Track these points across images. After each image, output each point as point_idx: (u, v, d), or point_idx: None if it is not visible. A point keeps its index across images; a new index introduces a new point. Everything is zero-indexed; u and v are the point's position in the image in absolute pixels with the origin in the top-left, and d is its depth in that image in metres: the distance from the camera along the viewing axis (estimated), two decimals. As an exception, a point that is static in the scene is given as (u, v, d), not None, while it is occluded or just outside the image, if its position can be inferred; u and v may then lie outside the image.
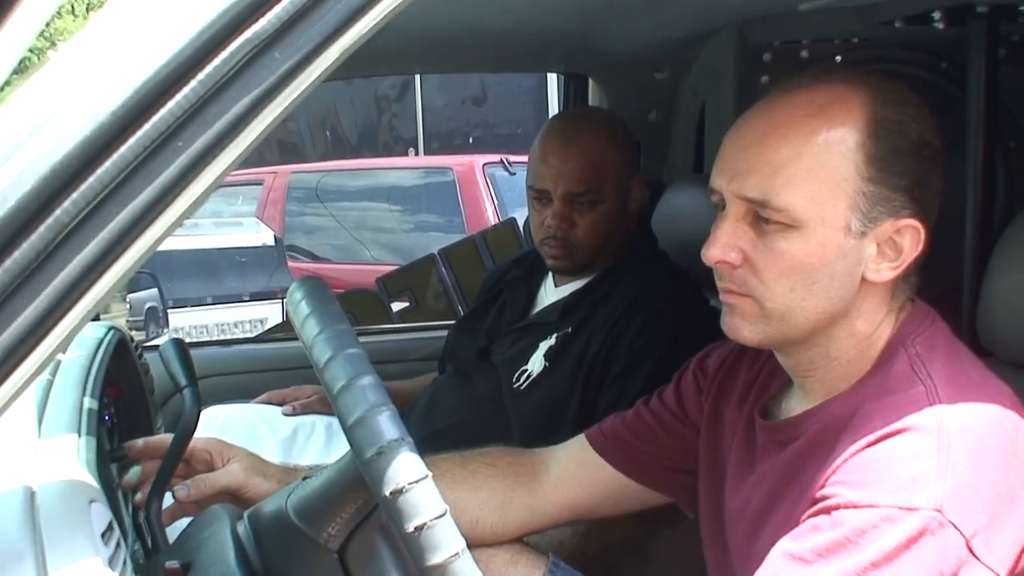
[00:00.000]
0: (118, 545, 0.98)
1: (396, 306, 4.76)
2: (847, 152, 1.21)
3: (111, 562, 0.92)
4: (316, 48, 0.80)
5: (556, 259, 2.27)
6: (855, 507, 1.10)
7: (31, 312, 0.74)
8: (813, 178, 1.21)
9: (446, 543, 0.97)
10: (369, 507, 1.12)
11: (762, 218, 1.23)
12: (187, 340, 2.32)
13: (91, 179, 0.74)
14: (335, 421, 2.51)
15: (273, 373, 2.82)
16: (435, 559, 0.96)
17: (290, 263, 7.78)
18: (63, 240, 0.74)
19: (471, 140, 12.63)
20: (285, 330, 4.95)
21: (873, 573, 1.07)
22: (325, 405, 2.56)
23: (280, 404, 2.58)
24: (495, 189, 7.46)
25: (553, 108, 10.47)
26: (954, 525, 1.08)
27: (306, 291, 1.15)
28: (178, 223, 0.79)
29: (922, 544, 1.07)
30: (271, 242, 7.57)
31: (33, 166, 0.74)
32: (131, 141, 0.75)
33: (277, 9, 0.78)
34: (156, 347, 2.30)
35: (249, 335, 6.90)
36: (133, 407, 1.75)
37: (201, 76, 0.77)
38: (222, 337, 6.76)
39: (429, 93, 12.64)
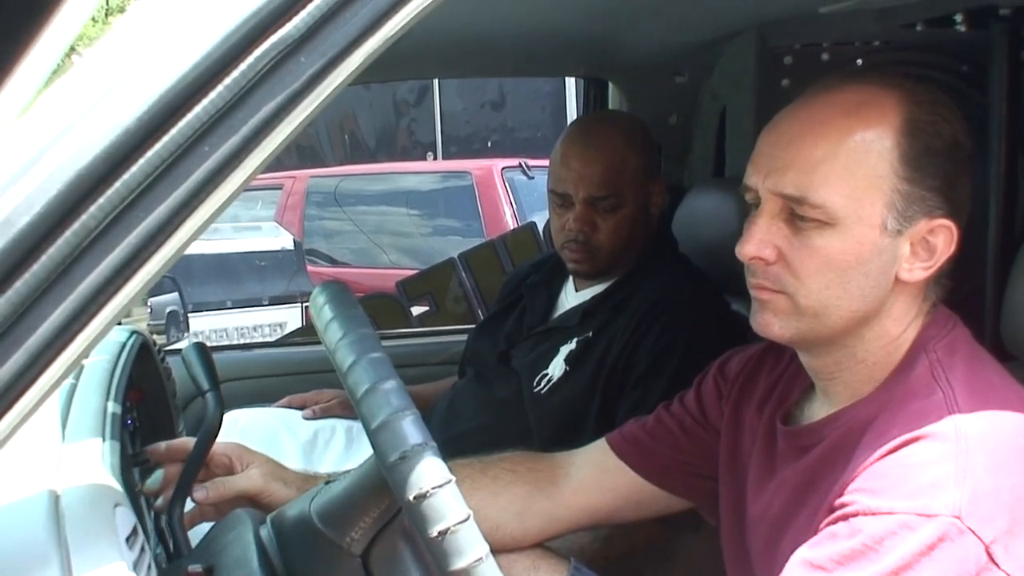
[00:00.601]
0: (142, 549, 0.98)
1: (416, 310, 4.76)
2: (883, 151, 1.21)
3: (136, 566, 0.92)
4: (342, 52, 0.80)
5: (577, 263, 2.27)
6: (873, 514, 1.10)
7: (57, 317, 0.74)
8: (850, 175, 1.21)
9: (470, 548, 0.97)
10: (392, 511, 1.12)
11: (797, 215, 1.23)
12: (207, 344, 2.32)
13: (117, 184, 0.74)
14: (356, 425, 2.54)
15: (293, 377, 2.83)
16: (459, 564, 0.96)
17: (309, 267, 7.80)
18: (89, 245, 0.74)
19: (489, 144, 12.64)
20: (305, 334, 4.96)
21: None
22: (345, 409, 2.56)
23: (300, 408, 2.58)
24: (513, 193, 7.46)
25: (572, 112, 10.46)
26: (973, 531, 1.07)
27: (329, 295, 1.15)
28: (204, 228, 0.79)
29: (941, 551, 1.07)
30: (290, 246, 7.59)
31: (59, 171, 0.74)
32: (157, 146, 0.75)
33: (303, 14, 0.78)
34: (178, 351, 2.31)
35: (268, 339, 6.92)
36: (155, 411, 1.75)
37: (227, 81, 0.77)
38: (242, 341, 6.78)
39: (448, 97, 12.66)
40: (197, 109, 0.76)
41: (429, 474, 0.97)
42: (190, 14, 0.79)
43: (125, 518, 0.99)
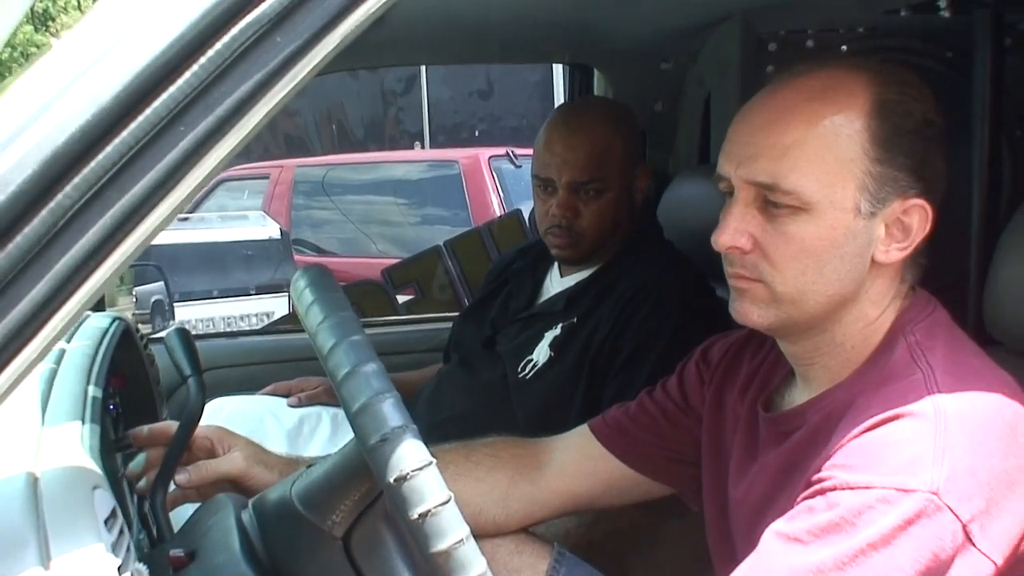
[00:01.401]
0: (121, 532, 0.97)
1: (402, 298, 4.75)
2: (853, 134, 1.22)
3: (114, 548, 0.92)
4: (318, 33, 0.79)
5: (561, 248, 2.27)
6: (851, 488, 1.10)
7: (33, 297, 0.73)
8: (821, 160, 1.21)
9: (451, 530, 0.97)
10: (373, 494, 1.12)
11: (771, 203, 1.24)
12: (193, 333, 2.31)
13: (93, 163, 0.74)
14: (341, 412, 2.51)
15: (278, 365, 2.82)
16: (440, 545, 0.96)
17: (296, 257, 7.78)
18: (65, 224, 0.74)
19: (477, 133, 12.63)
20: (291, 322, 4.95)
21: (869, 554, 1.07)
22: (331, 396, 2.56)
23: (286, 395, 2.58)
24: (501, 182, 7.45)
25: (559, 100, 10.46)
26: (950, 509, 1.08)
27: (309, 279, 1.15)
28: (180, 208, 0.78)
29: (918, 526, 1.07)
30: (277, 236, 7.57)
31: (35, 150, 0.73)
32: (133, 125, 0.75)
33: (278, -7, 0.78)
34: (160, 339, 2.30)
35: (255, 328, 6.91)
36: (138, 397, 1.74)
37: (203, 60, 0.76)
38: (228, 330, 6.77)
39: (435, 87, 12.65)
40: (172, 89, 0.76)
41: (409, 456, 0.97)
42: (166, -7, 0.78)
43: (104, 500, 0.98)
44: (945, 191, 1.28)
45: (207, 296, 6.86)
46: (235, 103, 0.78)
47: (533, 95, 11.83)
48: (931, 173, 1.25)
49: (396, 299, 4.69)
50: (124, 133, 0.75)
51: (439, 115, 12.83)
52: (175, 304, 5.94)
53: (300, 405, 2.54)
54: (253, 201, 8.49)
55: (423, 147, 12.20)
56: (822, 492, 1.12)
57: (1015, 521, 1.12)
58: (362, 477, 1.09)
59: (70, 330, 0.78)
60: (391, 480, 0.97)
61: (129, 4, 0.78)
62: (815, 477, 1.15)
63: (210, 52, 0.77)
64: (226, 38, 0.77)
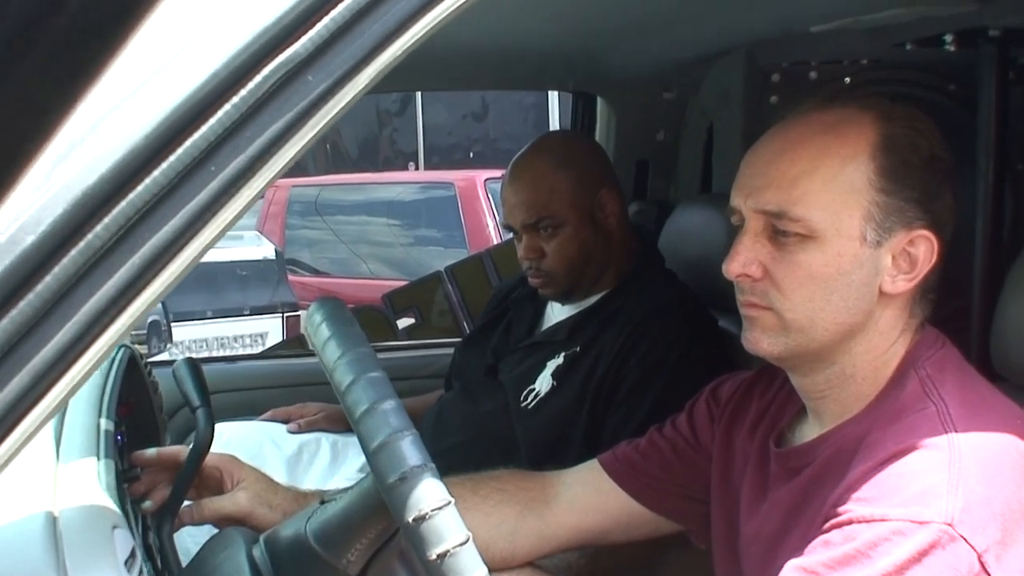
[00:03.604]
0: (140, 572, 0.96)
1: (402, 323, 4.75)
2: (860, 166, 1.24)
3: (135, 589, 0.91)
4: (350, 71, 0.79)
5: (541, 288, 2.30)
6: (868, 521, 1.11)
7: (61, 338, 0.73)
8: (828, 190, 1.24)
9: (469, 570, 0.96)
10: (389, 533, 1.12)
11: (780, 231, 1.26)
12: (188, 355, 2.28)
13: (123, 203, 0.73)
14: (341, 439, 2.52)
15: (278, 390, 2.81)
16: (458, 586, 0.96)
17: (290, 277, 7.76)
18: (94, 265, 0.73)
19: (471, 155, 12.66)
20: (290, 347, 4.93)
21: None
22: (330, 423, 2.55)
23: (285, 421, 2.57)
24: (496, 205, 7.45)
25: (554, 123, 10.49)
26: (965, 539, 1.08)
27: (326, 313, 1.14)
28: (208, 248, 0.78)
29: (932, 557, 1.08)
30: (272, 256, 7.55)
31: (65, 190, 0.73)
32: (164, 165, 0.75)
33: (312, 32, 0.78)
34: (163, 363, 2.28)
35: (249, 349, 6.88)
36: (142, 425, 1.73)
37: (235, 100, 0.76)
38: (222, 352, 6.74)
39: (430, 108, 12.68)
40: (204, 128, 0.75)
41: (429, 496, 0.97)
42: (198, 32, 0.78)
43: (123, 540, 0.97)
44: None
45: (201, 316, 6.82)
46: (266, 142, 0.77)
47: (528, 118, 11.88)
48: (938, 206, 1.27)
49: (396, 324, 4.69)
50: (156, 173, 0.74)
51: (434, 136, 12.86)
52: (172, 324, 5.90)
53: (299, 431, 2.52)
54: (247, 220, 8.47)
55: (417, 168, 12.21)
56: (839, 526, 1.13)
57: None
58: (379, 515, 1.08)
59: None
60: (410, 520, 0.96)
61: (162, 43, 0.78)
62: (832, 511, 1.16)
63: (243, 92, 0.76)
64: (258, 77, 0.77)
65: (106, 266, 0.74)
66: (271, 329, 7.13)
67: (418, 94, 12.20)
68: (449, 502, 0.97)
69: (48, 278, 0.72)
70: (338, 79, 0.79)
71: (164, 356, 4.51)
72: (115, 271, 0.74)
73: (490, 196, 7.49)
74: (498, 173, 7.77)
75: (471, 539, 0.97)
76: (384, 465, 0.99)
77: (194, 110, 0.75)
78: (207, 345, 6.79)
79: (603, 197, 2.25)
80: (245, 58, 0.76)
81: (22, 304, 0.71)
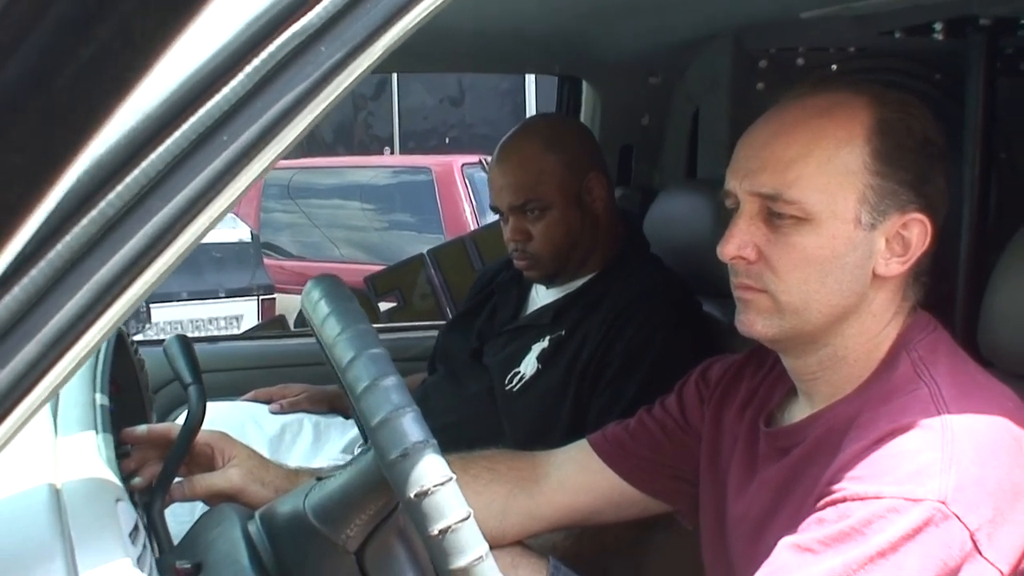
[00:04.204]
0: (144, 546, 0.96)
1: (384, 306, 4.74)
2: (855, 149, 1.25)
3: (139, 562, 0.90)
4: (363, 42, 0.78)
5: (526, 270, 2.30)
6: (862, 499, 1.12)
7: (71, 308, 0.72)
8: (823, 172, 1.25)
9: (470, 547, 0.96)
10: (388, 509, 1.11)
11: (775, 214, 1.27)
12: (162, 336, 2.26)
13: (136, 172, 0.72)
14: (323, 420, 2.52)
15: (260, 371, 2.80)
16: (459, 562, 0.96)
17: (265, 260, 7.73)
18: (106, 234, 0.72)
19: (448, 140, 12.62)
20: (267, 329, 4.91)
21: (878, 562, 1.10)
22: (313, 403, 2.54)
23: (267, 402, 2.56)
24: (474, 190, 7.44)
25: (531, 109, 10.49)
26: (958, 518, 1.10)
27: (324, 290, 1.14)
28: (220, 218, 0.77)
29: (926, 534, 1.09)
30: (247, 238, 7.51)
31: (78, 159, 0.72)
32: (176, 135, 0.74)
33: (325, 3, 0.77)
34: (147, 342, 2.26)
35: (224, 331, 6.85)
36: (130, 403, 1.72)
37: (248, 69, 0.75)
38: (196, 334, 6.70)
39: (406, 92, 12.62)
40: (217, 98, 0.75)
41: (430, 472, 0.97)
42: (211, 3, 0.77)
43: (127, 514, 0.97)
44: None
45: (175, 298, 6.78)
46: (278, 113, 0.76)
47: (504, 103, 11.85)
48: (931, 190, 1.28)
49: (378, 307, 4.68)
50: (167, 142, 0.73)
51: (410, 121, 12.81)
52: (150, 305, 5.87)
53: (282, 412, 2.52)
54: (222, 202, 8.40)
55: (393, 152, 12.16)
56: (833, 504, 1.15)
57: (1021, 531, 1.14)
58: (379, 491, 1.08)
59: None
60: (411, 495, 0.96)
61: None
62: (825, 490, 1.17)
63: (255, 61, 0.75)
64: (271, 47, 0.76)
65: (117, 236, 0.73)
66: (246, 312, 7.09)
67: (394, 78, 12.14)
68: (451, 478, 0.97)
69: (59, 247, 0.71)
70: (351, 50, 0.78)
71: (140, 337, 4.48)
72: (126, 241, 0.73)
73: (467, 181, 7.48)
74: (474, 158, 7.77)
75: (472, 515, 0.97)
76: (386, 441, 0.98)
77: (207, 79, 0.74)
78: (182, 327, 6.75)
79: (591, 181, 2.25)
80: (258, 28, 0.76)
81: (33, 273, 0.70)
